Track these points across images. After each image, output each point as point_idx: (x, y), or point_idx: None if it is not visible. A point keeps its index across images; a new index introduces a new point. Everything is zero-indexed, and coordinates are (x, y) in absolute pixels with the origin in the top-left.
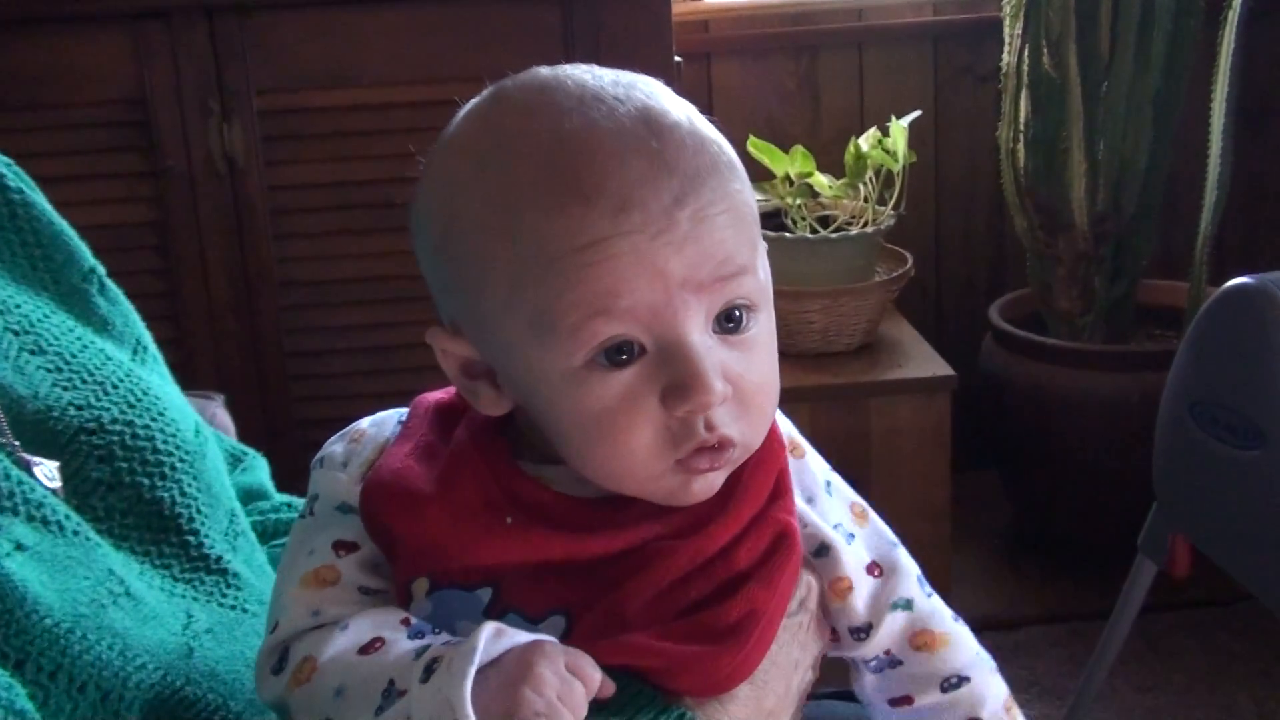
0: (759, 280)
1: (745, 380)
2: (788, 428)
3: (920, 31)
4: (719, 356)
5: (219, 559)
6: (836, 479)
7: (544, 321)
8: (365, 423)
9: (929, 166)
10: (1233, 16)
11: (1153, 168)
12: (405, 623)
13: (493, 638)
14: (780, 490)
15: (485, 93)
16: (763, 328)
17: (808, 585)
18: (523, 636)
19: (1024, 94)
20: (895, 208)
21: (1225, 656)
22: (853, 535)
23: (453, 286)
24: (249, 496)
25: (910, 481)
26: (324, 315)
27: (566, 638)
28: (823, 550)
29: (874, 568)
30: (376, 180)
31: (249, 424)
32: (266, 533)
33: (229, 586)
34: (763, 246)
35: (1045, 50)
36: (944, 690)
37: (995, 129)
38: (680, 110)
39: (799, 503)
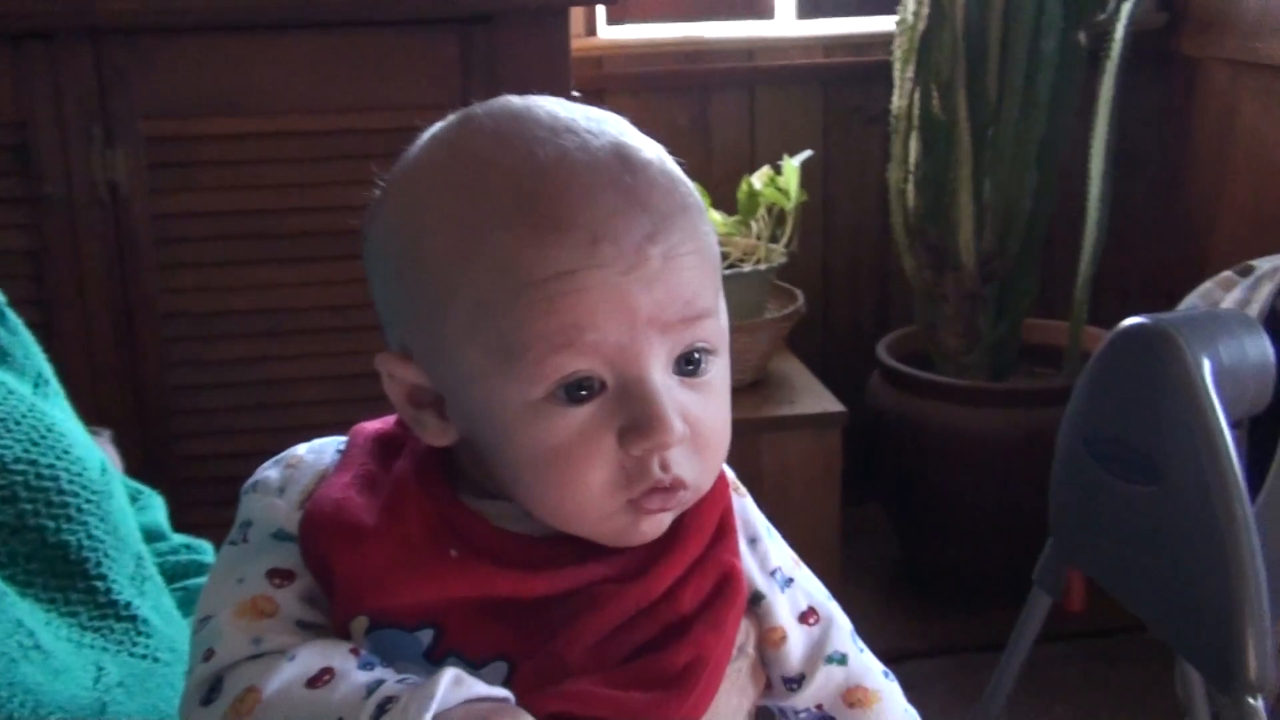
0: (719, 324)
1: (702, 423)
2: (727, 469)
3: (810, 74)
4: (679, 398)
5: (127, 605)
6: (772, 527)
7: (506, 351)
8: (302, 449)
9: (818, 206)
10: (1111, 65)
11: (1037, 209)
12: (355, 653)
13: (452, 685)
14: (724, 531)
15: (452, 118)
16: (720, 372)
17: (745, 629)
18: (481, 688)
19: (914, 136)
20: (787, 245)
21: (1104, 687)
22: (791, 580)
23: (410, 311)
24: (148, 537)
25: (800, 517)
26: (208, 349)
27: (507, 685)
28: (756, 599)
29: (808, 615)
30: (265, 210)
31: (129, 461)
32: (166, 574)
33: (139, 634)
34: (722, 291)
35: (935, 94)
36: None
37: (883, 170)
38: (651, 149)
39: (741, 546)
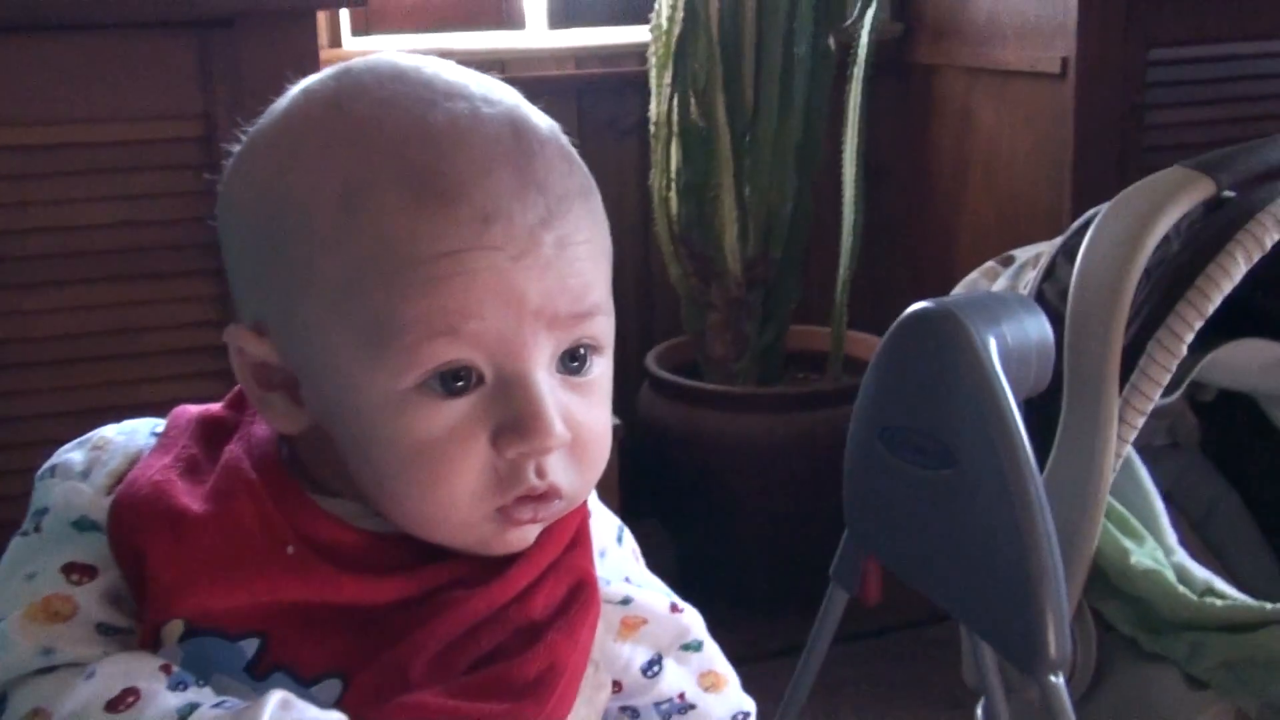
0: (610, 322)
1: (584, 427)
2: None
3: (564, 85)
4: (560, 398)
5: None
6: (626, 531)
7: (377, 334)
8: (110, 430)
9: None
10: (858, 72)
11: (797, 214)
12: (165, 670)
13: (279, 710)
14: (580, 538)
15: (327, 72)
16: (604, 373)
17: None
18: (312, 712)
19: (674, 143)
20: None
21: (886, 684)
22: (642, 584)
23: (269, 280)
24: None
25: None
26: None
27: (339, 704)
28: (625, 602)
29: (675, 608)
30: None
31: None
32: None
33: None
34: (610, 286)
35: (693, 100)
36: None
37: (641, 182)
38: (547, 125)
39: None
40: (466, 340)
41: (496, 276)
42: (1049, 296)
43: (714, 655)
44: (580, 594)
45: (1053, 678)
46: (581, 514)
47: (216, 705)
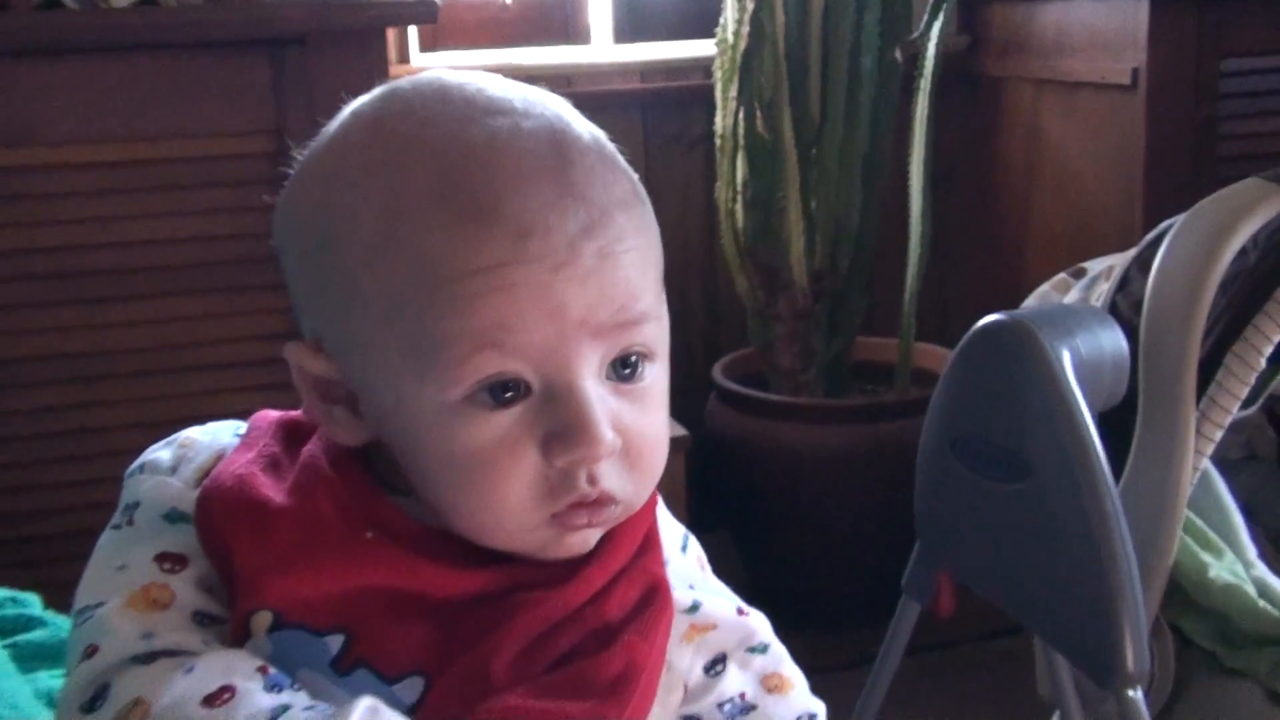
0: (660, 327)
1: (636, 434)
2: None
3: (629, 99)
4: (611, 405)
5: None
6: (691, 539)
7: (423, 349)
8: (195, 430)
9: None
10: (925, 84)
11: (864, 226)
12: (262, 671)
13: (368, 715)
14: (649, 544)
15: (376, 92)
16: (659, 379)
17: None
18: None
19: (740, 156)
20: None
21: (958, 696)
22: (709, 591)
23: (322, 299)
24: None
25: None
26: (8, 398)
27: (422, 703)
28: (694, 609)
29: (741, 612)
30: (65, 247)
31: None
32: None
33: None
34: (663, 292)
35: (759, 113)
36: None
37: (705, 195)
38: (590, 134)
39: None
40: (510, 353)
41: (537, 289)
42: (1122, 309)
43: (780, 657)
44: (654, 597)
45: (1131, 692)
46: (649, 519)
47: (309, 709)
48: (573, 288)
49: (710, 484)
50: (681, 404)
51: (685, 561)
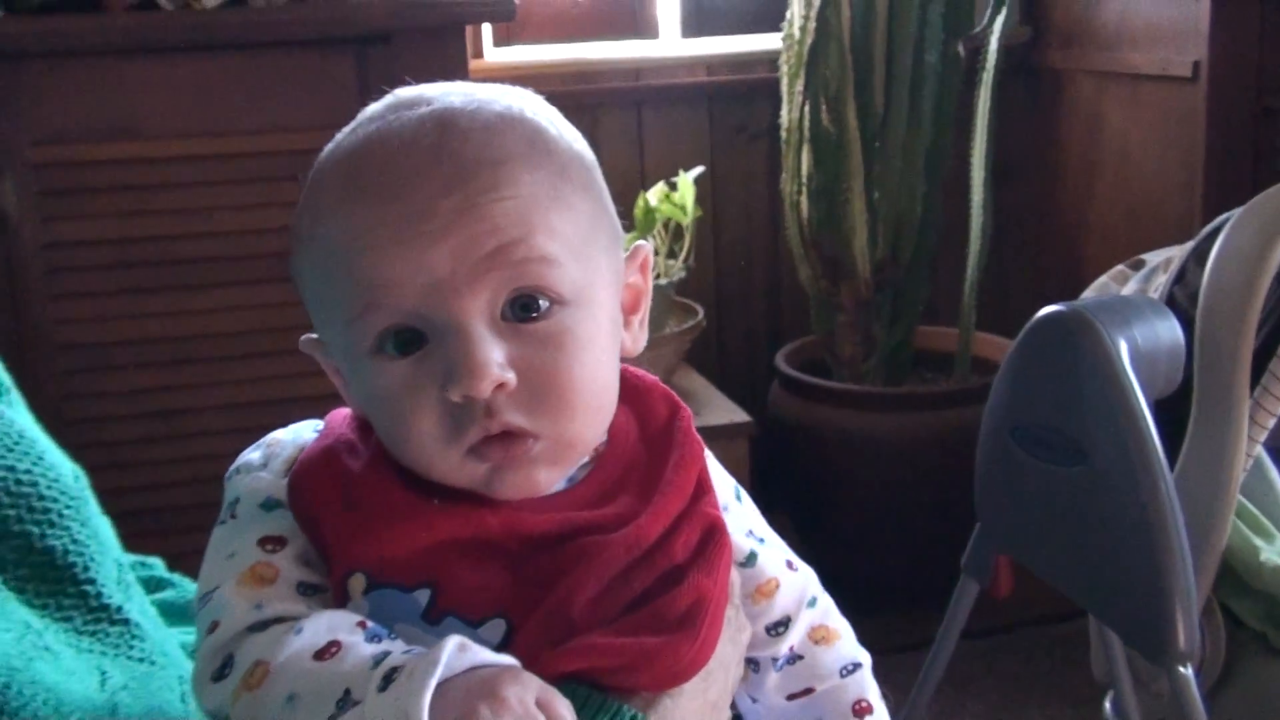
0: (567, 273)
1: (538, 370)
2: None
3: (696, 92)
4: (508, 344)
5: (119, 609)
6: (742, 489)
7: (335, 317)
8: (279, 432)
9: (707, 223)
10: (987, 77)
11: (926, 217)
12: (362, 625)
13: (457, 652)
14: (703, 488)
15: None
16: (576, 322)
17: (734, 582)
18: (486, 655)
19: (805, 148)
20: (685, 261)
21: (1013, 680)
22: (764, 539)
23: (301, 293)
24: None
25: None
26: (106, 380)
27: (508, 643)
28: (750, 560)
29: (791, 564)
30: (160, 236)
31: None
32: None
33: (134, 638)
34: (606, 245)
35: (824, 106)
36: (843, 675)
37: (769, 186)
38: (497, 105)
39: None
40: (388, 307)
41: (399, 247)
42: (1179, 300)
43: (828, 610)
44: (714, 537)
45: (1182, 668)
46: (699, 466)
47: (406, 651)
48: (427, 242)
49: (772, 469)
50: (744, 390)
51: (742, 509)
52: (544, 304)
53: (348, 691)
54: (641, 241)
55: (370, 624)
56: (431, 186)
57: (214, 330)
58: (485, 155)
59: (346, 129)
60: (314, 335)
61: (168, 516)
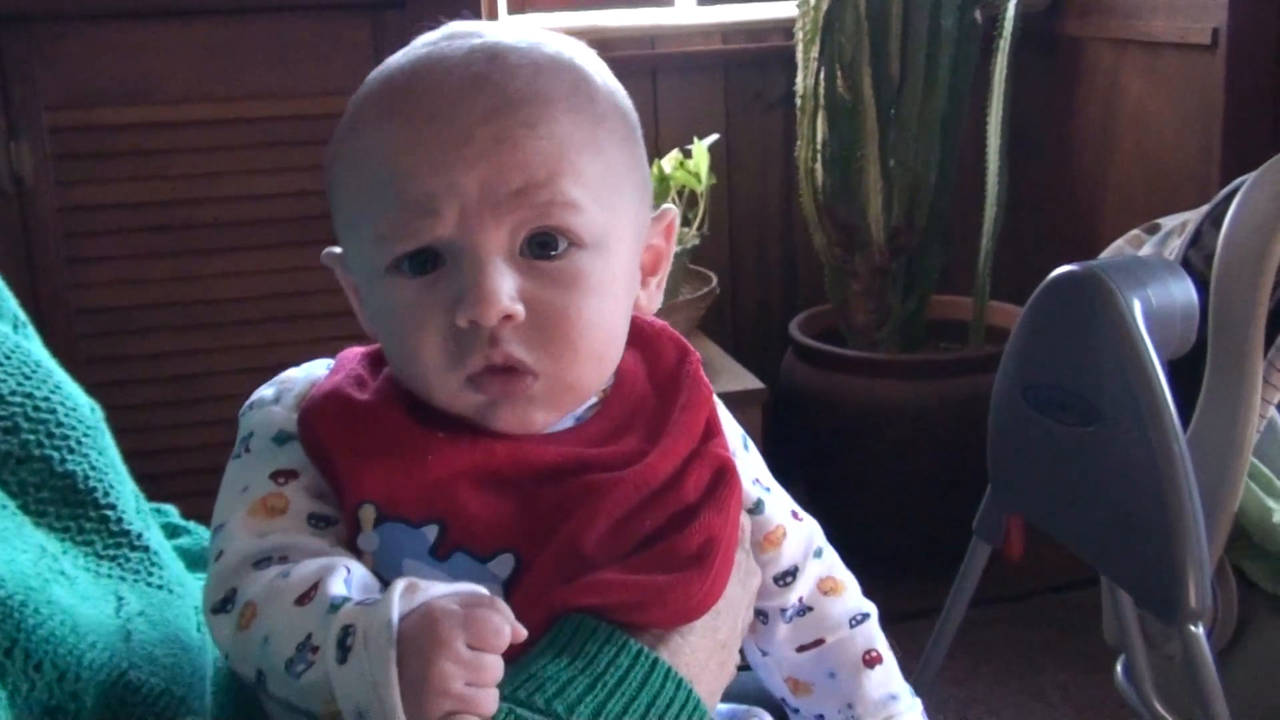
0: (590, 218)
1: (547, 308)
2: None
3: (711, 60)
4: (522, 278)
5: (139, 535)
6: (749, 439)
7: (362, 232)
8: (291, 370)
9: (722, 190)
10: (1004, 44)
11: (941, 184)
12: (347, 570)
13: (405, 594)
14: (712, 430)
15: None
16: (592, 266)
17: (744, 526)
18: (438, 588)
19: (820, 116)
20: (699, 228)
21: (1026, 647)
22: (770, 488)
23: (331, 210)
24: None
25: None
26: (123, 344)
27: (518, 577)
28: (758, 507)
29: (796, 514)
30: (176, 201)
31: None
32: None
33: (153, 565)
34: (634, 198)
35: (840, 73)
36: (851, 626)
37: (784, 154)
38: (549, 47)
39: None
40: (417, 229)
41: (433, 168)
42: (1194, 262)
43: (833, 562)
44: (724, 477)
45: (1193, 627)
46: (708, 408)
47: (360, 602)
48: (463, 166)
49: (786, 436)
50: (758, 358)
51: (749, 458)
52: (562, 244)
53: (309, 635)
54: (669, 205)
55: (354, 572)
56: (471, 113)
57: (231, 294)
58: (528, 91)
59: (399, 52)
60: (336, 250)
61: (185, 479)
